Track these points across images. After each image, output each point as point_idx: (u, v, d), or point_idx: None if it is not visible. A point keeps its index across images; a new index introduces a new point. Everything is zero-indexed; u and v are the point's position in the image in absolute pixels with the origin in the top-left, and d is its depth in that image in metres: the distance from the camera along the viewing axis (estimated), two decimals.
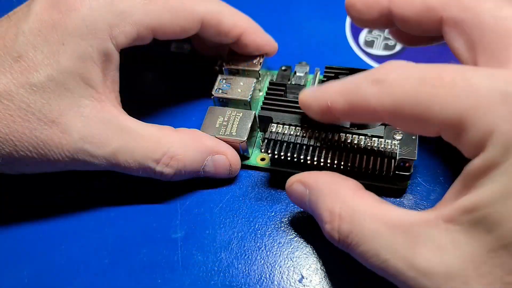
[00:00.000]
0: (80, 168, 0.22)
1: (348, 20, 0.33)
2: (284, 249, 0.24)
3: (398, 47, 0.31)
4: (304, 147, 0.23)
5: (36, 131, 0.20)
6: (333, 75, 0.27)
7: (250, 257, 0.24)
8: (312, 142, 0.24)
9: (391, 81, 0.17)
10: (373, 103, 0.18)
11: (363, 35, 0.31)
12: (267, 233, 0.25)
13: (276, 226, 0.25)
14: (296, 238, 0.25)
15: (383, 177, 0.23)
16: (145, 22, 0.21)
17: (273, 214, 0.26)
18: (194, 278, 0.24)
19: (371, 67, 0.31)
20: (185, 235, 0.25)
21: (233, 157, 0.24)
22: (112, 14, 0.20)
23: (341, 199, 0.20)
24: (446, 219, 0.16)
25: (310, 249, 0.24)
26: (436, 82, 0.16)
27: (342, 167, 0.23)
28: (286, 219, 0.26)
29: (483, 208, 0.15)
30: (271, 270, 0.24)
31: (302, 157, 0.23)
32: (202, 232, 0.25)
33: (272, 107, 0.26)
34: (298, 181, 0.22)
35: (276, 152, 0.24)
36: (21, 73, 0.19)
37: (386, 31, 0.32)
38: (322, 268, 0.24)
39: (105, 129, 0.21)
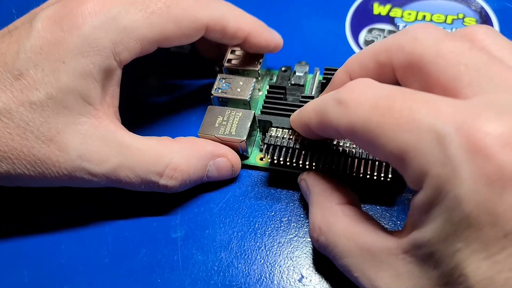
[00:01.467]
0: (79, 185, 0.22)
1: (348, 20, 0.33)
2: (284, 249, 0.25)
3: None
4: (303, 152, 0.24)
5: (34, 150, 0.20)
6: (332, 76, 0.27)
7: (250, 256, 0.24)
8: (310, 147, 0.24)
9: (349, 103, 0.18)
10: (335, 122, 0.18)
11: (363, 34, 0.31)
12: (267, 232, 0.25)
13: (276, 225, 0.25)
14: (296, 238, 0.25)
15: (381, 181, 0.23)
16: (149, 35, 0.21)
17: (273, 213, 0.26)
18: (194, 278, 0.24)
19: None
20: (185, 235, 0.25)
21: (234, 158, 0.24)
22: (115, 31, 0.20)
23: (322, 212, 0.21)
24: (403, 250, 0.17)
25: (310, 248, 0.24)
26: (386, 111, 0.16)
27: (340, 171, 0.23)
28: (286, 219, 0.26)
29: (428, 246, 0.16)
30: (271, 269, 0.24)
31: (301, 162, 0.23)
32: (202, 231, 0.25)
33: (272, 111, 0.26)
34: (303, 180, 0.24)
35: (275, 157, 0.24)
36: (21, 91, 0.19)
37: (387, 30, 0.32)
38: (322, 268, 0.24)
39: (103, 146, 0.21)
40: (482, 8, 0.32)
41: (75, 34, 0.20)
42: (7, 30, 0.21)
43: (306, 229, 0.25)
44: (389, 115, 0.16)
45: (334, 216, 0.20)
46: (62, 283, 0.24)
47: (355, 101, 0.17)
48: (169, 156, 0.22)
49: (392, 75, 0.19)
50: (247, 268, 0.24)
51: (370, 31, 0.31)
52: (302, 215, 0.26)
